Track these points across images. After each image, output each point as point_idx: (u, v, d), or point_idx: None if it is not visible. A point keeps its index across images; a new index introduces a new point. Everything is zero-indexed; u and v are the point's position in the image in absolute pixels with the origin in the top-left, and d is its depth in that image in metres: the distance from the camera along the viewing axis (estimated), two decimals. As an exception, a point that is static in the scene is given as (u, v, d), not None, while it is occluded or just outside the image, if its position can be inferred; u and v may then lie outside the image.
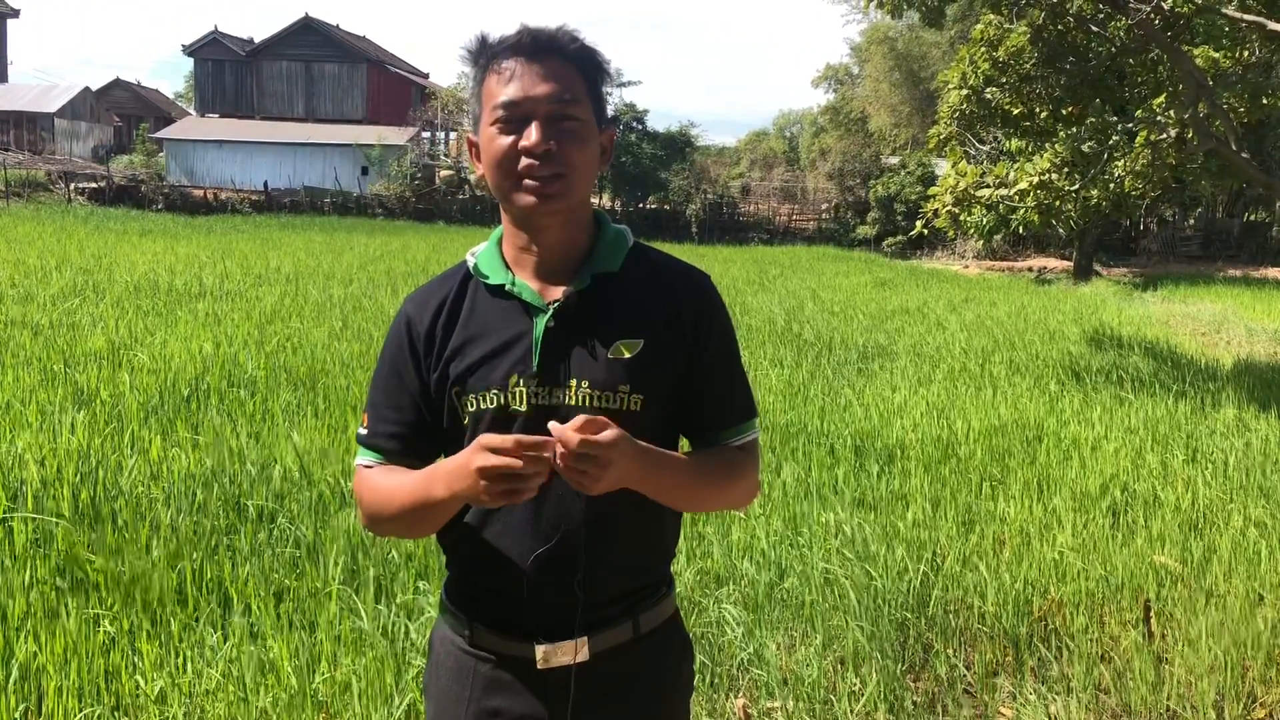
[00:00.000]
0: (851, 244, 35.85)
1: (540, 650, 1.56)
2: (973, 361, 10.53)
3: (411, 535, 1.69)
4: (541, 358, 1.54)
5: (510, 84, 1.51)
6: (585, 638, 1.57)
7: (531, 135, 1.50)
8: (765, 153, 53.23)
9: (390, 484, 1.58)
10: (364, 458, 1.65)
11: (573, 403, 1.53)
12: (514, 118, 1.51)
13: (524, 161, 1.51)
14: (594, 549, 1.54)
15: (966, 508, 5.50)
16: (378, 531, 1.65)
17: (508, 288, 1.59)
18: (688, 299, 1.63)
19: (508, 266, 1.62)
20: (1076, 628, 4.05)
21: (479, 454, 1.36)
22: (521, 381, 1.54)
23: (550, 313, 1.56)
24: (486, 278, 1.61)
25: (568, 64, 1.54)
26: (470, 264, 1.65)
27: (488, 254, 1.64)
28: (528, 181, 1.52)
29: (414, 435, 1.63)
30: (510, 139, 1.51)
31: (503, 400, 1.54)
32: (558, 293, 1.58)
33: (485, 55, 1.56)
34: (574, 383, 1.54)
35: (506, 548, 1.56)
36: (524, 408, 1.54)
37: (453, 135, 44.98)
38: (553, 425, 1.37)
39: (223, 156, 40.80)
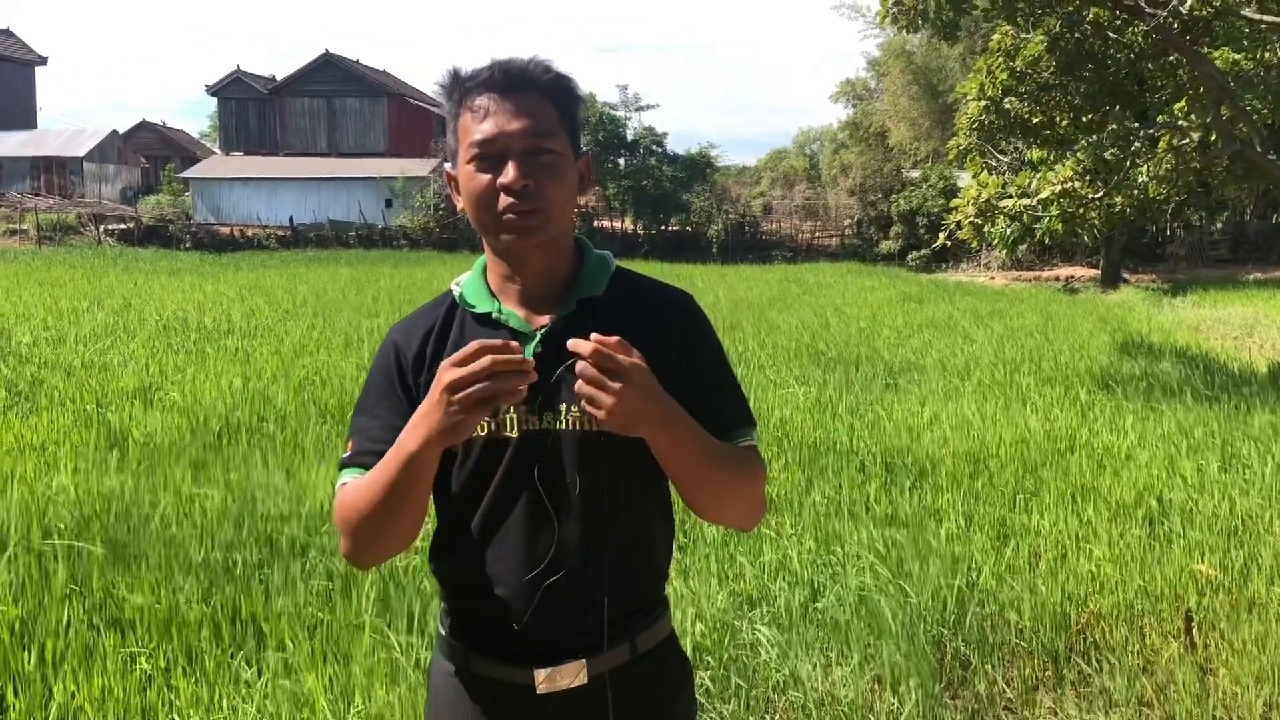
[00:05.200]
0: (875, 259, 35.71)
1: (540, 675, 1.55)
2: (1002, 373, 10.45)
3: (390, 537, 1.54)
4: (530, 384, 1.55)
5: (485, 121, 1.52)
6: (583, 661, 1.56)
7: (509, 173, 1.51)
8: (786, 171, 53.20)
9: (363, 481, 1.54)
10: (344, 478, 1.59)
11: (564, 427, 1.54)
12: (490, 155, 1.52)
13: (503, 199, 1.52)
14: (587, 572, 1.54)
15: (1000, 521, 5.44)
16: (357, 553, 1.58)
17: (494, 316, 1.60)
18: (671, 319, 1.64)
19: (493, 295, 1.63)
20: (1116, 640, 3.99)
21: (445, 372, 1.37)
22: (512, 408, 1.54)
23: (538, 339, 1.57)
24: (473, 307, 1.63)
25: (541, 96, 1.54)
26: (456, 293, 1.66)
27: (472, 283, 1.66)
28: (508, 217, 1.53)
29: None
30: (488, 176, 1.53)
31: (493, 427, 1.55)
32: (544, 319, 1.59)
33: (459, 91, 1.57)
34: (564, 408, 1.54)
35: (500, 574, 1.56)
36: (514, 434, 1.55)
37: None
38: (571, 343, 1.39)
39: (248, 194, 41.29)
